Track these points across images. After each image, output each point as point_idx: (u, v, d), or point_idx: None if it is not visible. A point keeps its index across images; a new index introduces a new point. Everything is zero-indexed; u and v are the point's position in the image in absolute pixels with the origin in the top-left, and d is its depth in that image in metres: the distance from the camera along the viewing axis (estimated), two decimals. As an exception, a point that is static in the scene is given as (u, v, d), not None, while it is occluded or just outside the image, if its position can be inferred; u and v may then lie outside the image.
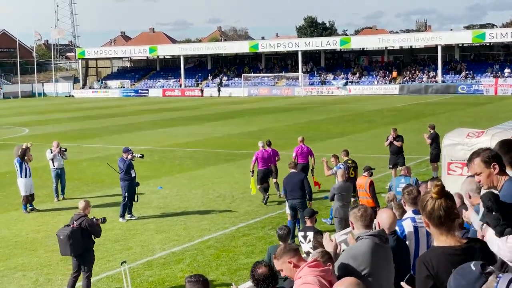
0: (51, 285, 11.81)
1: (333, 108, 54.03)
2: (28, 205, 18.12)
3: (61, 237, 10.69)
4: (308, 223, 10.85)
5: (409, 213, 7.24)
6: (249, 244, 14.18)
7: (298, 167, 17.67)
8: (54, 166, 19.74)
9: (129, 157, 17.08)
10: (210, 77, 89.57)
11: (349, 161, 17.36)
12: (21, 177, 18.34)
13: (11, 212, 18.00)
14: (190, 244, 14.32)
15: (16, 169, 18.58)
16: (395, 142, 21.29)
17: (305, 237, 10.40)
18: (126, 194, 16.78)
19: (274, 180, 19.23)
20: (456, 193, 10.21)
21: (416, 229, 6.83)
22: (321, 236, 9.12)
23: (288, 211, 14.92)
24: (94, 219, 11.25)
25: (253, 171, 18.70)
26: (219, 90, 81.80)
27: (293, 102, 64.17)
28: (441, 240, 3.99)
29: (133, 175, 17.04)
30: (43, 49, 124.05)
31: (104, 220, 11.76)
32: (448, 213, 3.95)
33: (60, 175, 19.80)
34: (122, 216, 16.69)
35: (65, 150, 20.26)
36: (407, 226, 6.90)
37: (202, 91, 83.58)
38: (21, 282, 11.99)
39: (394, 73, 79.18)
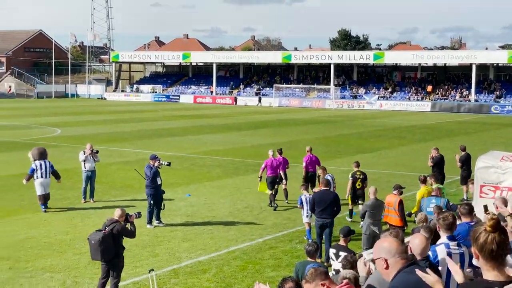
0: (78, 288, 11.89)
1: (363, 123, 53.77)
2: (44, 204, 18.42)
3: (93, 242, 10.77)
4: (342, 242, 10.73)
5: (443, 238, 7.15)
6: (276, 257, 14.14)
7: (310, 177, 19.83)
8: (85, 168, 19.95)
9: (156, 164, 17.11)
10: (242, 86, 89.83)
11: (358, 173, 17.93)
12: (39, 177, 18.57)
13: (40, 213, 18.18)
14: (217, 254, 14.32)
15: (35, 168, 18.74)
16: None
17: (337, 255, 10.31)
18: (152, 202, 16.85)
19: (283, 187, 19.91)
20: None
21: (449, 255, 6.74)
22: (352, 255, 9.06)
23: (306, 220, 15.41)
24: (128, 215, 11.37)
25: (261, 177, 19.68)
26: (259, 100, 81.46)
27: (324, 115, 64.02)
28: (490, 274, 3.94)
29: (159, 182, 17.08)
30: (78, 50, 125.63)
31: (139, 215, 11.84)
32: (500, 248, 3.90)
33: (90, 177, 19.99)
34: (149, 222, 16.74)
35: (97, 152, 20.44)
36: (441, 251, 6.82)
37: (235, 99, 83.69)
38: (49, 283, 12.09)
39: (429, 88, 78.59)
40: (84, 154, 20.01)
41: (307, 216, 15.39)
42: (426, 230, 9.43)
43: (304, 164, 20.20)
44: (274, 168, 19.55)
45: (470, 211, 8.83)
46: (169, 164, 18.18)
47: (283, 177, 19.85)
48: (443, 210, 12.81)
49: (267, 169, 19.55)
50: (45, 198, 18.54)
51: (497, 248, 3.88)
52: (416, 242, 6.39)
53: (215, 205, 19.55)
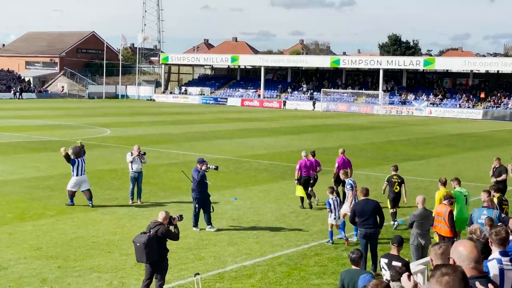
0: (124, 289, 12.01)
1: (412, 130, 53.05)
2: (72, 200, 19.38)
3: (138, 244, 10.85)
4: (394, 251, 10.51)
5: (496, 253, 6.93)
6: (321, 264, 14.03)
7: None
8: (132, 169, 20.18)
9: (203, 168, 17.09)
10: (289, 90, 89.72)
11: (395, 177, 18.26)
12: (76, 175, 19.38)
13: (89, 213, 18.46)
14: (262, 259, 14.28)
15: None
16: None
17: (389, 265, 10.12)
18: (197, 205, 16.83)
19: (310, 189, 20.28)
20: None
21: (501, 271, 6.53)
22: (402, 266, 8.90)
23: (332, 221, 15.82)
24: (172, 218, 11.43)
25: (298, 179, 20.11)
26: (314, 104, 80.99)
27: (372, 120, 63.43)
28: None
29: (205, 186, 17.06)
30: (128, 52, 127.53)
31: (181, 217, 11.88)
32: None
33: (137, 178, 20.20)
34: (195, 225, 16.79)
35: (144, 154, 20.65)
36: (493, 267, 6.60)
37: (284, 103, 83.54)
38: (96, 283, 12.24)
39: (482, 94, 77.15)
40: (132, 155, 20.23)
41: (334, 218, 15.84)
42: (478, 243, 9.17)
43: (336, 165, 20.49)
44: (308, 168, 20.29)
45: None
46: (216, 168, 18.22)
47: (314, 179, 20.54)
48: (495, 223, 12.53)
49: (301, 170, 20.21)
50: (74, 194, 19.39)
51: None
52: (461, 250, 6.19)
53: (261, 210, 19.53)
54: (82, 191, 19.41)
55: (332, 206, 15.84)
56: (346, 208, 16.39)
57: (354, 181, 17.29)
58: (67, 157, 19.50)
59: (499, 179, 20.51)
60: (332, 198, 16.02)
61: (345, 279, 9.40)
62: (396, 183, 18.12)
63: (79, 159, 19.56)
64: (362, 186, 16.12)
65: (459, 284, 3.50)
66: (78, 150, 19.78)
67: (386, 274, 10.01)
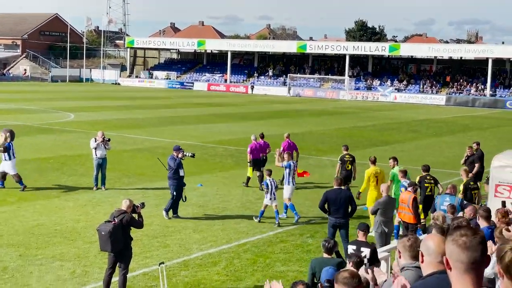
0: (87, 278, 11.85)
1: (377, 115, 53.45)
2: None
3: (103, 233, 10.70)
4: (361, 237, 10.56)
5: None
6: (286, 251, 14.05)
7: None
8: (96, 155, 19.91)
9: (179, 155, 16.89)
10: (256, 74, 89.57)
11: (347, 156, 19.43)
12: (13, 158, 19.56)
13: (52, 199, 18.18)
14: (227, 246, 14.24)
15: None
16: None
17: (358, 251, 10.16)
18: (175, 193, 16.61)
19: (258, 173, 20.79)
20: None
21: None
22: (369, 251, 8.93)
23: (267, 202, 16.33)
24: (135, 206, 11.29)
25: (250, 161, 21.05)
26: (289, 90, 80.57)
27: (338, 106, 63.72)
28: None
29: (181, 174, 16.86)
30: (93, 35, 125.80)
31: (143, 205, 11.72)
32: None
33: (101, 165, 19.94)
34: (166, 211, 16.53)
35: (109, 140, 20.37)
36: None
37: (252, 87, 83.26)
38: (59, 272, 12.06)
39: (448, 78, 78.17)
40: (96, 141, 19.94)
41: (270, 199, 16.35)
42: (438, 231, 9.24)
43: (282, 148, 20.67)
44: (258, 151, 21.20)
45: (489, 215, 8.66)
46: (193, 156, 18.08)
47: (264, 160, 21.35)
48: (457, 210, 12.69)
49: (252, 152, 21.12)
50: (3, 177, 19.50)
51: None
52: (429, 245, 6.20)
53: (227, 196, 19.48)
54: (12, 174, 19.31)
55: (270, 187, 16.32)
56: (289, 192, 17.06)
57: (294, 163, 17.94)
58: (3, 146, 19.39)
59: (474, 171, 19.35)
60: (269, 180, 16.50)
61: (315, 267, 9.40)
62: (348, 162, 19.32)
63: (12, 142, 19.64)
64: (335, 176, 16.37)
65: (476, 247, 3.41)
66: (14, 133, 19.97)
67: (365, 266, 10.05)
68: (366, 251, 10.07)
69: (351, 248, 10.26)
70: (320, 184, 21.62)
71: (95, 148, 19.94)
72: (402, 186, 15.67)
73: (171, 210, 16.68)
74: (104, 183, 19.92)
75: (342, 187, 14.15)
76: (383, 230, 13.22)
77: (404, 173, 16.04)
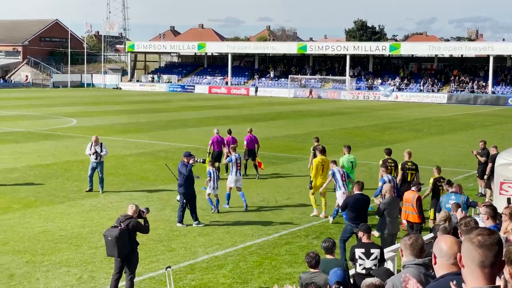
0: (94, 283, 11.86)
1: (379, 115, 53.44)
2: None
3: (109, 238, 10.71)
4: (366, 239, 10.52)
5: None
6: (292, 253, 14.05)
7: (249, 152, 23.34)
8: (92, 159, 20.04)
9: (190, 161, 16.42)
10: (256, 76, 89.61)
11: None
12: None
13: (56, 205, 18.19)
14: (233, 249, 14.25)
15: None
16: (478, 157, 20.78)
17: (368, 254, 10.11)
18: (184, 201, 16.18)
19: (217, 164, 21.21)
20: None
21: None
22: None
23: (210, 191, 17.54)
24: (141, 211, 11.30)
25: (209, 153, 22.76)
26: (310, 92, 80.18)
27: (339, 106, 63.72)
28: None
29: (193, 181, 16.54)
30: (93, 40, 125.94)
31: (147, 210, 11.70)
32: None
33: (95, 168, 20.03)
34: (180, 221, 16.13)
35: (101, 144, 20.37)
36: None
37: (256, 89, 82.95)
38: (65, 278, 12.08)
39: (455, 71, 78.29)
40: (91, 147, 20.02)
41: (213, 188, 17.57)
42: (443, 230, 9.26)
43: (245, 142, 23.50)
44: (219, 144, 22.89)
45: (495, 213, 8.65)
46: (204, 162, 18.04)
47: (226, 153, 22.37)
48: (463, 208, 12.66)
49: (213, 145, 22.92)
50: None
51: None
52: (441, 245, 6.20)
53: (231, 199, 19.45)
54: None
55: (212, 177, 17.56)
56: (232, 182, 18.45)
57: (237, 156, 18.87)
58: None
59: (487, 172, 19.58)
60: (212, 170, 17.75)
61: (303, 282, 9.32)
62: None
63: None
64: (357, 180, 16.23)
65: (489, 247, 3.44)
66: None
67: (364, 264, 10.03)
68: (376, 252, 10.06)
69: (359, 252, 10.18)
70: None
71: (91, 154, 20.02)
72: (382, 180, 16.00)
73: (193, 220, 16.33)
74: (102, 186, 19.95)
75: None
76: (389, 231, 13.22)
77: (334, 162, 17.31)
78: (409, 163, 17.44)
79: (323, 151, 18.11)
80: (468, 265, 3.46)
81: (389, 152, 18.31)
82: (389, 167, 17.20)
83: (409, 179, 16.99)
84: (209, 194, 17.69)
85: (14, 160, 25.91)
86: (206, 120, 45.28)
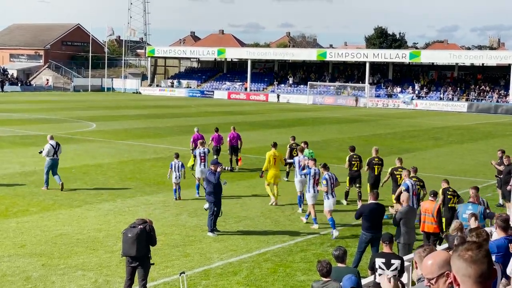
0: (109, 287, 11.93)
1: (398, 122, 53.20)
2: None
3: (129, 235, 10.71)
4: (387, 249, 10.44)
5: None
6: (307, 260, 14.02)
7: (232, 148, 26.12)
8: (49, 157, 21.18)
9: (218, 169, 16.28)
10: (275, 82, 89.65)
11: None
12: None
13: (74, 209, 18.33)
14: (248, 255, 14.25)
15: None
16: (496, 166, 20.76)
17: (388, 264, 10.04)
18: (216, 209, 15.98)
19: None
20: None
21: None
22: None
23: (174, 180, 19.86)
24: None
25: (192, 149, 24.44)
26: (357, 101, 79.69)
27: (358, 113, 63.53)
28: None
29: (222, 188, 16.49)
30: (114, 45, 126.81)
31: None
32: None
33: (53, 165, 21.14)
34: (212, 231, 15.95)
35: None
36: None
37: (278, 96, 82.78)
38: (81, 281, 12.16)
39: (479, 76, 77.71)
40: (48, 148, 21.18)
41: (175, 177, 19.88)
42: (459, 239, 9.18)
43: (228, 139, 26.23)
44: (195, 141, 24.11)
45: (507, 225, 8.57)
46: (232, 170, 18.08)
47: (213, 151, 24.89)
48: (480, 219, 12.55)
49: (194, 142, 24.37)
50: None
51: None
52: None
53: (247, 205, 19.51)
54: None
55: (174, 167, 19.99)
56: (198, 172, 20.64)
57: (204, 150, 21.08)
58: None
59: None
60: (175, 161, 20.20)
61: (332, 277, 9.35)
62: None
63: None
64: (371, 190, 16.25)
65: (482, 260, 3.41)
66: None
67: (385, 274, 9.97)
68: (396, 263, 10.00)
69: (379, 261, 10.11)
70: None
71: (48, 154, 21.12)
72: (324, 179, 16.68)
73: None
74: (60, 180, 20.85)
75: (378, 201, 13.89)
76: (406, 240, 13.13)
77: (302, 151, 20.05)
78: (376, 159, 19.77)
79: (275, 146, 21.07)
80: (465, 282, 3.42)
81: (352, 149, 21.05)
82: (353, 162, 20.18)
83: (375, 173, 19.51)
84: (175, 184, 20.00)
85: (34, 163, 26.10)
86: (223, 125, 45.27)
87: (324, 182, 16.48)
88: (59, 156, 21.47)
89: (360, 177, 20.32)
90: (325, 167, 16.96)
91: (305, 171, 18.06)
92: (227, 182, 17.27)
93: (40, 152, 21.62)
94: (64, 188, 20.65)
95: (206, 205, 16.78)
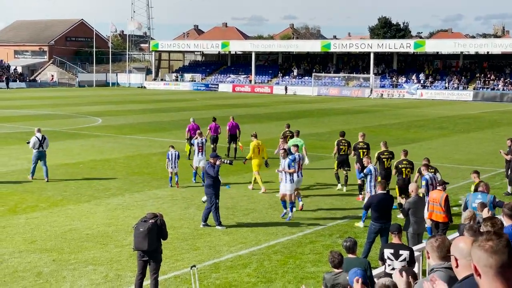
0: (120, 281, 11.98)
1: (404, 113, 53.10)
2: None
3: (141, 229, 10.74)
4: (396, 240, 10.45)
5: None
6: (316, 252, 14.04)
7: (231, 136, 27.48)
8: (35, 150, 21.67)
9: (217, 163, 16.27)
10: (280, 74, 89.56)
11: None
12: None
13: (83, 204, 18.39)
14: (257, 248, 14.28)
15: None
16: (504, 155, 20.91)
17: (396, 255, 10.06)
18: (217, 201, 15.93)
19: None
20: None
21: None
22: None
23: (170, 169, 20.80)
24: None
25: (187, 138, 25.88)
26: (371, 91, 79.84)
27: (363, 104, 63.44)
28: None
29: (221, 181, 16.53)
30: (118, 39, 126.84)
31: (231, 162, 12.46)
32: None
33: (40, 157, 21.63)
34: (220, 224, 15.91)
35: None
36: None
37: (286, 88, 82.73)
38: (92, 276, 12.21)
39: (485, 64, 77.64)
40: (34, 140, 21.60)
41: (170, 167, 20.82)
42: (468, 228, 9.15)
43: (227, 128, 27.52)
44: (195, 130, 24.89)
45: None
46: (231, 163, 18.13)
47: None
48: (489, 208, 12.54)
49: (190, 132, 25.82)
50: None
51: None
52: (462, 246, 6.16)
53: (255, 198, 19.53)
54: None
55: (171, 158, 20.71)
56: (196, 161, 21.62)
57: (205, 140, 22.69)
58: None
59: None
60: (171, 151, 20.91)
61: (327, 283, 9.31)
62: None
63: None
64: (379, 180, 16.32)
65: (503, 250, 3.39)
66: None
67: (393, 264, 9.99)
68: (405, 254, 10.00)
69: (388, 252, 10.12)
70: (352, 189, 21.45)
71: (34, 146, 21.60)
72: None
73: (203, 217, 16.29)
74: (47, 175, 21.44)
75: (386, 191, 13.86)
76: (415, 230, 13.14)
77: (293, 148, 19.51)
78: (361, 143, 20.41)
79: (256, 136, 21.95)
80: (486, 273, 3.40)
81: (343, 134, 21.83)
82: (341, 146, 21.08)
83: (361, 157, 19.50)
84: (170, 173, 21.00)
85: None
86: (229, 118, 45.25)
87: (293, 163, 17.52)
88: (45, 149, 21.91)
89: (348, 161, 21.09)
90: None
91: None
92: (230, 186, 17.39)
93: (28, 143, 22.14)
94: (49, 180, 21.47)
95: (204, 198, 16.89)
